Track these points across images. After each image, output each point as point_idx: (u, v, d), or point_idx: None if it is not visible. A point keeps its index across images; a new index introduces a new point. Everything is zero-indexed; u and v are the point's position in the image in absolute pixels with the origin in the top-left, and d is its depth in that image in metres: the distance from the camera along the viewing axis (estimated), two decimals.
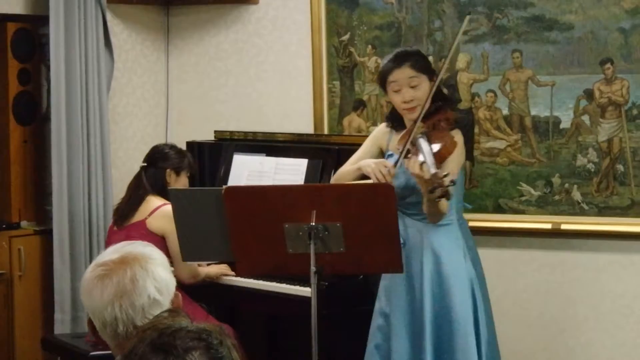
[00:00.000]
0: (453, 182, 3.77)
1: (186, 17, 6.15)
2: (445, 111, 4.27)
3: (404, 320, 4.23)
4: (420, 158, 3.91)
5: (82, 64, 5.50)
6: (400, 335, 4.22)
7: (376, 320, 4.32)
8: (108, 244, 4.95)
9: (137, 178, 5.06)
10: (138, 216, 4.91)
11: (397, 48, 4.63)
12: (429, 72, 4.29)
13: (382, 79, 4.30)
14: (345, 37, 5.59)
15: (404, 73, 4.23)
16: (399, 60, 4.26)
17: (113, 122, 5.84)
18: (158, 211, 4.88)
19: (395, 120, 4.38)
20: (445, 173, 3.77)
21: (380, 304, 4.33)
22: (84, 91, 5.51)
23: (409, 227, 4.28)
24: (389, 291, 4.28)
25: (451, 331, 4.18)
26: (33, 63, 5.61)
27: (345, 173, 4.41)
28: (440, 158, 3.99)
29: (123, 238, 4.81)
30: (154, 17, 6.17)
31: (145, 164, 5.06)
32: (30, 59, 5.59)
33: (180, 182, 5.03)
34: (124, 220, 4.94)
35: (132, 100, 6.08)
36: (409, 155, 4.05)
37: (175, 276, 4.90)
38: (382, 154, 4.39)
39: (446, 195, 3.78)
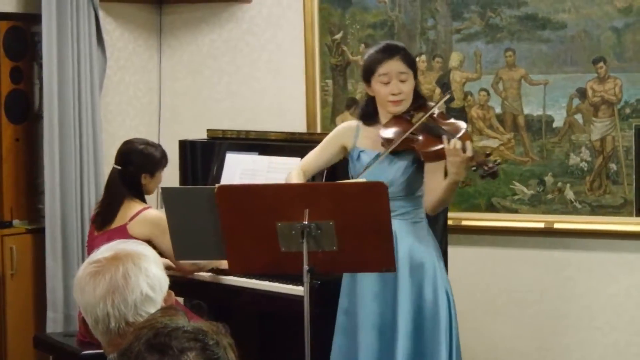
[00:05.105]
0: (498, 162, 3.93)
1: (179, 16, 6.15)
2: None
3: (371, 318, 4.16)
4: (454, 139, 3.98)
5: (74, 62, 5.49)
6: (367, 332, 4.16)
7: (339, 319, 4.26)
8: (90, 248, 4.91)
9: (113, 180, 4.95)
10: (118, 221, 4.82)
11: (382, 41, 4.57)
12: (414, 69, 4.26)
13: (371, 69, 4.19)
14: (338, 36, 5.59)
15: (396, 66, 4.16)
16: (389, 52, 4.19)
17: (105, 121, 5.83)
18: (139, 216, 4.82)
19: (368, 116, 4.29)
20: (488, 151, 3.92)
21: (341, 301, 4.26)
22: (77, 89, 5.50)
23: None
24: (353, 288, 4.22)
25: (422, 335, 4.13)
26: (25, 61, 5.59)
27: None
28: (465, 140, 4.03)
29: (105, 242, 4.77)
30: (147, 16, 6.16)
31: (119, 167, 4.94)
32: (23, 57, 5.58)
33: (155, 181, 4.95)
34: (105, 224, 4.87)
35: (125, 99, 6.07)
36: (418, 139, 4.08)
37: (178, 269, 4.89)
38: (345, 151, 4.30)
39: (496, 173, 3.92)
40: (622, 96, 5.00)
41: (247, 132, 5.47)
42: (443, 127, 4.10)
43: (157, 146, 5.02)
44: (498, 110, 5.25)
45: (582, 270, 5.16)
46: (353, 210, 3.74)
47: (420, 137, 4.09)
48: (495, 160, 4.00)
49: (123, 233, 4.72)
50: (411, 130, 4.08)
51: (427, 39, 5.37)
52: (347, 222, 3.74)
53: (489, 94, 5.26)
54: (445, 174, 4.10)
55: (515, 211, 5.25)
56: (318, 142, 5.14)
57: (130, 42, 6.08)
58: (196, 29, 6.08)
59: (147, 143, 5.00)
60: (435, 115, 4.17)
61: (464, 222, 5.29)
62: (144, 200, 4.91)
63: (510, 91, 5.22)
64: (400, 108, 4.18)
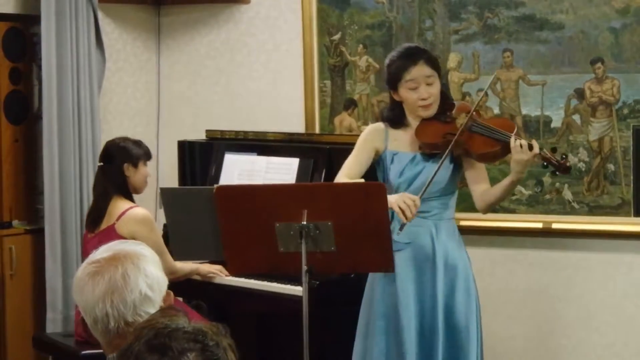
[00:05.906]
0: (565, 155, 4.01)
1: (177, 17, 6.15)
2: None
3: (413, 319, 4.16)
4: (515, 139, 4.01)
5: (73, 63, 5.50)
6: (411, 333, 4.15)
7: (376, 324, 4.23)
8: (84, 251, 4.91)
9: (97, 179, 4.96)
10: (107, 221, 4.81)
11: (404, 44, 4.51)
12: (439, 70, 4.27)
13: (397, 76, 4.17)
14: (337, 37, 5.59)
15: (422, 71, 4.15)
16: (414, 57, 4.18)
17: (104, 121, 5.84)
18: (125, 215, 4.80)
19: (397, 121, 4.28)
20: (553, 146, 3.99)
21: (377, 306, 4.23)
22: (76, 90, 5.51)
23: (413, 226, 4.10)
24: (389, 291, 4.19)
25: (457, 336, 4.15)
26: (24, 62, 5.60)
27: None
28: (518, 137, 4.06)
29: (96, 244, 4.76)
30: (146, 17, 6.17)
31: (102, 163, 4.94)
32: (22, 58, 5.59)
33: (139, 173, 4.91)
34: (95, 225, 4.86)
35: (124, 100, 6.08)
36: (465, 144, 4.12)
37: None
38: (376, 155, 4.28)
39: (569, 167, 4.03)
40: (620, 97, 5.00)
41: (246, 132, 5.48)
42: (493, 125, 4.12)
43: (138, 141, 5.02)
44: (496, 110, 5.26)
45: (580, 270, 5.16)
46: (351, 211, 3.75)
47: (471, 138, 4.11)
48: (563, 155, 4.03)
49: (112, 233, 4.70)
50: (460, 131, 4.09)
51: (424, 39, 5.37)
52: (345, 222, 3.75)
53: (487, 95, 5.27)
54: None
55: (513, 211, 5.25)
56: (316, 143, 5.19)
57: (129, 43, 6.09)
58: (194, 30, 6.09)
59: (127, 139, 5.02)
60: (473, 115, 4.19)
61: (462, 223, 5.28)
62: (131, 198, 4.89)
63: (508, 92, 5.23)
64: (431, 111, 4.20)
